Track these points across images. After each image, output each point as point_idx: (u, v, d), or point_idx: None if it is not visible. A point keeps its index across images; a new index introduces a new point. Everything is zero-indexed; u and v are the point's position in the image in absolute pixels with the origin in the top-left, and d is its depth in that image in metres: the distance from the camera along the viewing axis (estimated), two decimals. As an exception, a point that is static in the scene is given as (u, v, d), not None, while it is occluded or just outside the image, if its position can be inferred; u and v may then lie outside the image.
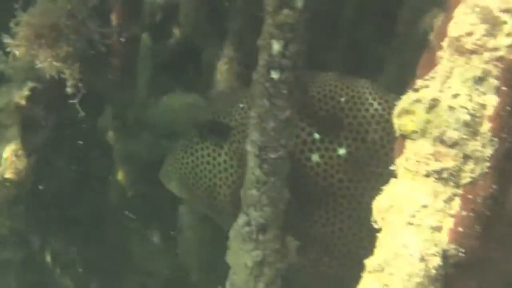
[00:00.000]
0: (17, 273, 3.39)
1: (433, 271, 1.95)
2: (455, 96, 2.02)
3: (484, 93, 1.99)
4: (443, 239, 2.02)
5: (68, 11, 2.66)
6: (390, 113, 2.75)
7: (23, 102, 2.72)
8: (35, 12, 2.69)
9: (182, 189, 3.14)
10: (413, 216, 2.03)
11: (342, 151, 2.82)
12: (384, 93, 2.88)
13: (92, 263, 4.57)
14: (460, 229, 2.01)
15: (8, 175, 2.77)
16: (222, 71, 3.89)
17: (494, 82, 1.98)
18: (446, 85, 2.04)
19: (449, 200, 2.04)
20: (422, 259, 1.95)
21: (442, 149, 2.02)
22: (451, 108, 2.01)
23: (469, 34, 1.99)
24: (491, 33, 1.98)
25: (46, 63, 2.72)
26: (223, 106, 3.12)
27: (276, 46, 2.27)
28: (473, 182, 2.00)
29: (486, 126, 1.99)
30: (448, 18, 2.04)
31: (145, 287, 4.56)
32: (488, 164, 2.00)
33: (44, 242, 3.91)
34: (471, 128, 2.00)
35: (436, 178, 2.03)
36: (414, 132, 2.08)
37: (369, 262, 1.99)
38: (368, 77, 3.01)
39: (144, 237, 4.47)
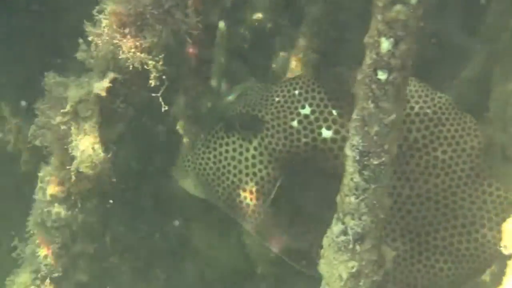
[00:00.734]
0: (89, 265, 3.27)
1: None
2: None
3: None
4: None
5: (154, 0, 2.50)
6: (435, 113, 2.78)
7: (103, 93, 2.58)
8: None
9: (200, 186, 3.05)
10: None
11: None
12: (431, 92, 2.81)
13: (153, 252, 4.47)
14: None
15: (84, 169, 2.65)
16: (296, 59, 3.71)
17: None
18: None
19: None
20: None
21: None
22: None
23: None
24: None
25: (130, 53, 2.57)
26: (255, 99, 3.03)
27: (385, 45, 2.10)
28: None
29: None
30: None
31: (204, 276, 4.45)
32: None
33: (110, 233, 3.82)
34: None
35: None
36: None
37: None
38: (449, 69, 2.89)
39: (205, 226, 4.37)
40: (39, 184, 3.06)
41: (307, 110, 2.90)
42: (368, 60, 2.13)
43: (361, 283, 2.32)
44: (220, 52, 3.43)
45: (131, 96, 2.82)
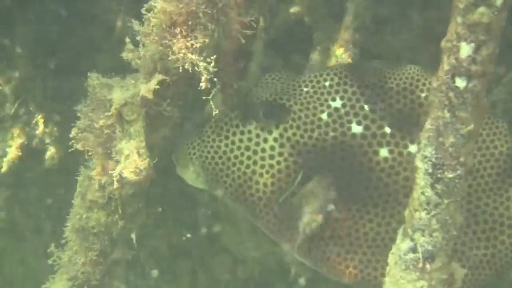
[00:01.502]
0: (125, 272, 3.15)
1: None
2: None
3: None
4: None
5: (208, -2, 2.34)
6: None
7: (150, 96, 2.43)
8: (171, -3, 2.38)
9: (204, 176, 2.86)
10: None
11: (413, 149, 2.69)
12: None
13: (182, 248, 4.44)
14: None
15: (128, 174, 2.51)
16: (337, 55, 3.55)
17: None
18: None
19: None
20: None
21: None
22: None
23: None
24: None
25: (180, 54, 2.42)
26: (281, 87, 2.88)
27: (466, 50, 1.95)
28: None
29: None
30: None
31: (236, 273, 4.39)
32: None
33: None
34: None
35: None
36: None
37: None
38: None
39: (235, 223, 4.25)
40: (78, 189, 2.95)
41: (337, 103, 2.78)
42: (445, 66, 1.98)
43: (430, 304, 2.17)
44: (258, 45, 3.26)
45: (178, 99, 2.66)
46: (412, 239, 2.16)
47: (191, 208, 4.37)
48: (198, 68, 2.46)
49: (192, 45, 2.44)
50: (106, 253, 3.03)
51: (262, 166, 2.76)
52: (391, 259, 2.23)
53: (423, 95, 2.73)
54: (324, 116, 2.76)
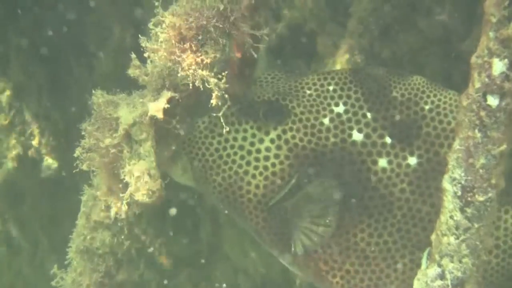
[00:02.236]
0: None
1: None
2: None
3: None
4: None
5: (219, 11, 2.22)
6: None
7: (160, 115, 2.32)
8: (180, 11, 2.25)
9: (192, 172, 2.75)
10: None
11: (412, 161, 2.65)
12: None
13: (183, 258, 4.36)
14: None
15: (140, 197, 2.38)
16: (342, 61, 3.47)
17: None
18: None
19: None
20: None
21: None
22: None
23: None
24: None
25: (190, 71, 2.30)
26: (282, 88, 2.79)
27: (498, 66, 1.84)
28: None
29: None
30: None
31: (237, 284, 4.33)
32: None
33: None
34: None
35: None
36: None
37: None
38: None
39: (237, 232, 4.16)
40: (82, 209, 2.84)
41: (340, 109, 2.72)
42: (476, 84, 1.87)
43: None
44: (262, 54, 3.15)
45: (187, 115, 2.54)
46: (439, 265, 2.06)
47: (191, 217, 4.29)
48: (209, 85, 2.34)
49: (202, 60, 2.31)
50: (111, 274, 2.93)
51: (256, 167, 2.68)
52: (416, 285, 2.12)
53: (427, 107, 2.70)
54: (326, 120, 2.71)
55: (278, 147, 2.69)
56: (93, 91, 2.52)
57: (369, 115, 2.72)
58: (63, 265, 3.03)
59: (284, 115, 2.72)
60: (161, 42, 2.33)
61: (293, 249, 2.70)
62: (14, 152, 4.42)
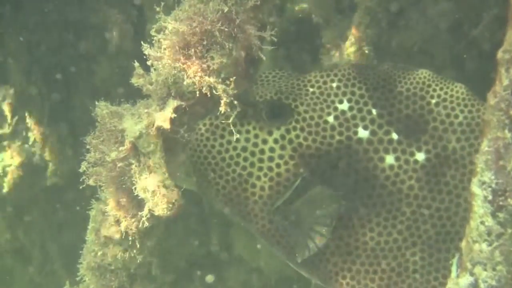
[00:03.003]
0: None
1: None
2: None
3: None
4: None
5: (223, 14, 2.10)
6: (477, 124, 2.63)
7: (167, 126, 2.21)
8: (182, 16, 2.14)
9: (194, 176, 2.69)
10: None
11: (420, 157, 2.62)
12: (478, 102, 2.67)
13: (192, 261, 4.33)
14: None
15: (161, 212, 2.29)
16: (349, 53, 3.37)
17: None
18: None
19: None
20: None
21: None
22: None
23: None
24: None
25: (196, 78, 2.19)
26: (286, 86, 2.74)
27: (528, 63, 1.69)
28: None
29: None
30: None
31: (250, 283, 4.29)
32: None
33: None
34: None
35: None
36: None
37: None
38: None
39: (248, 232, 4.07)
40: (91, 224, 2.75)
41: (344, 106, 2.67)
42: (504, 81, 1.76)
43: None
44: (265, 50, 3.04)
45: (194, 122, 2.44)
46: (472, 274, 1.96)
47: (202, 218, 4.23)
48: (217, 92, 2.23)
49: (208, 67, 2.20)
50: (124, 289, 2.79)
51: (260, 169, 2.63)
52: (446, 295, 2.01)
53: (433, 101, 2.66)
54: (330, 118, 2.66)
55: (282, 147, 2.64)
56: (97, 103, 2.41)
57: (374, 111, 2.68)
58: (74, 272, 2.93)
59: (287, 115, 2.67)
60: (165, 49, 2.21)
61: (300, 251, 2.65)
62: (18, 161, 4.34)
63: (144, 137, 2.31)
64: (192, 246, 4.35)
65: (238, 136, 2.61)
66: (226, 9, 2.12)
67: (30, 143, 4.44)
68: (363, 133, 2.65)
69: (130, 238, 2.69)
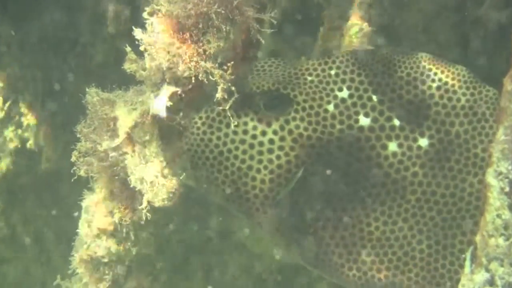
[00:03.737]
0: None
1: None
2: None
3: None
4: None
5: (220, -5, 1.99)
6: (480, 106, 2.60)
7: (163, 114, 2.12)
8: (177, -3, 2.02)
9: (194, 172, 2.63)
10: None
11: (423, 142, 2.59)
12: (480, 84, 2.63)
13: (194, 244, 4.27)
14: None
15: (161, 203, 2.20)
16: (352, 33, 3.27)
17: None
18: None
19: None
20: None
21: None
22: None
23: None
24: None
25: (192, 63, 2.07)
26: (284, 75, 2.68)
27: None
28: None
29: None
30: None
31: (253, 270, 4.22)
32: None
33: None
34: None
35: None
36: None
37: None
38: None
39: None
40: (83, 215, 2.65)
41: (344, 93, 2.62)
42: (523, 65, 1.62)
43: None
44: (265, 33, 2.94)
45: (191, 109, 2.32)
46: (487, 270, 1.86)
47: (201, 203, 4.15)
48: (213, 77, 2.13)
49: (204, 51, 2.09)
50: (119, 283, 2.75)
51: (260, 161, 2.58)
52: (461, 291, 1.91)
53: (434, 85, 2.61)
54: (330, 107, 2.61)
55: (282, 139, 2.58)
56: (87, 90, 2.29)
57: (374, 98, 2.63)
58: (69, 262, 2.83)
59: (286, 105, 2.61)
60: (158, 33, 2.09)
61: (304, 244, 2.60)
62: (11, 146, 4.27)
63: (139, 127, 2.21)
64: (191, 232, 4.28)
65: (236, 123, 2.53)
66: (222, -11, 2.00)
67: (23, 128, 4.35)
68: (364, 121, 2.61)
69: (124, 230, 2.59)
